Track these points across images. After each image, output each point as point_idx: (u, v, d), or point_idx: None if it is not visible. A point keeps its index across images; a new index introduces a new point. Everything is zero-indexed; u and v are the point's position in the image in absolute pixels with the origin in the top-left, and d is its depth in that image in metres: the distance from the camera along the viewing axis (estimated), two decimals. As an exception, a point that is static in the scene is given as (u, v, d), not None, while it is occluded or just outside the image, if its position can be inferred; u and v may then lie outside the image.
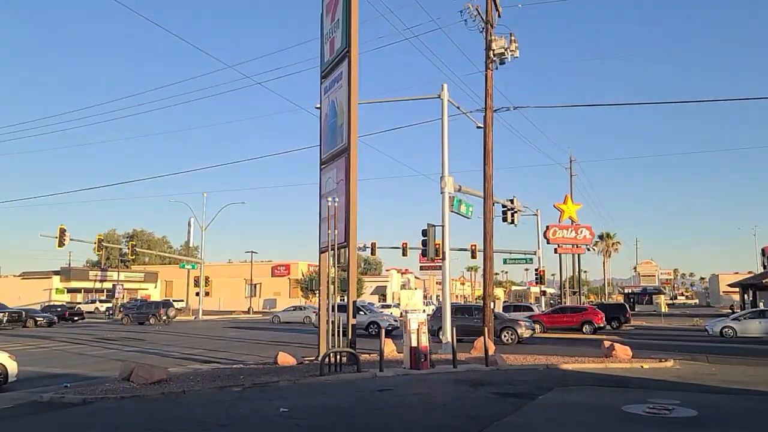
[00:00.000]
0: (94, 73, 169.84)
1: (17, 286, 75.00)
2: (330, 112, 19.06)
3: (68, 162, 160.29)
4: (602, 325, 32.36)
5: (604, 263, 77.97)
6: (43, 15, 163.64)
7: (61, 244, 42.88)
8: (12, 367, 13.97)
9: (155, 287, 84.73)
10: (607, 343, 18.89)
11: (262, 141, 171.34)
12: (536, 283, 54.79)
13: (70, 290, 75.05)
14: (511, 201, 34.09)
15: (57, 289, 73.84)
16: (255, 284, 76.30)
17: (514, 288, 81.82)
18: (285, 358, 17.48)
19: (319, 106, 20.36)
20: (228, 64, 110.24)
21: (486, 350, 16.08)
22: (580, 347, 22.75)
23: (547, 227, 42.94)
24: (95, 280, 77.27)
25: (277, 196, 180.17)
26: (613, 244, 77.28)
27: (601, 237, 74.17)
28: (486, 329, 18.75)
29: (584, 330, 31.60)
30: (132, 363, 14.57)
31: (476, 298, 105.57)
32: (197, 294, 56.54)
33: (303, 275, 77.36)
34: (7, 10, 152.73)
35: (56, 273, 76.15)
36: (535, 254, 47.87)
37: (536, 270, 50.12)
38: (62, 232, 42.80)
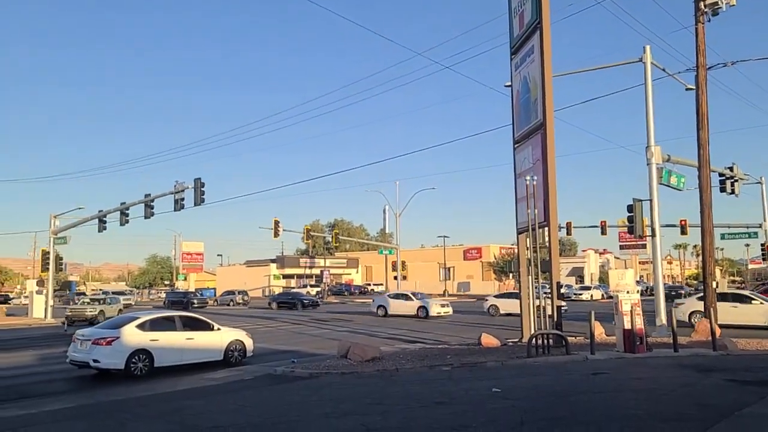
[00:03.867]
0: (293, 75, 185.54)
1: (243, 273, 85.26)
2: (522, 89, 18.57)
3: (276, 159, 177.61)
4: None
5: None
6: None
7: (276, 234, 47.55)
8: (249, 344, 15.87)
9: (357, 272, 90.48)
10: None
11: (450, 125, 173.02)
12: (763, 260, 48.29)
13: (285, 276, 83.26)
14: (731, 169, 30.35)
15: (275, 275, 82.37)
16: (449, 268, 77.61)
17: (751, 267, 71.17)
18: (488, 340, 17.51)
19: (509, 84, 19.93)
20: (417, 52, 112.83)
21: (713, 333, 14.54)
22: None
23: (776, 196, 37.53)
24: (305, 267, 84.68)
25: (466, 180, 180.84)
26: None
27: None
28: (711, 311, 16.94)
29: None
30: (348, 342, 15.65)
31: (686, 278, 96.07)
32: (395, 278, 59.08)
33: (495, 258, 76.88)
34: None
35: (273, 261, 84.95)
36: (760, 227, 42.09)
37: (762, 245, 44.07)
38: (276, 224, 47.39)
